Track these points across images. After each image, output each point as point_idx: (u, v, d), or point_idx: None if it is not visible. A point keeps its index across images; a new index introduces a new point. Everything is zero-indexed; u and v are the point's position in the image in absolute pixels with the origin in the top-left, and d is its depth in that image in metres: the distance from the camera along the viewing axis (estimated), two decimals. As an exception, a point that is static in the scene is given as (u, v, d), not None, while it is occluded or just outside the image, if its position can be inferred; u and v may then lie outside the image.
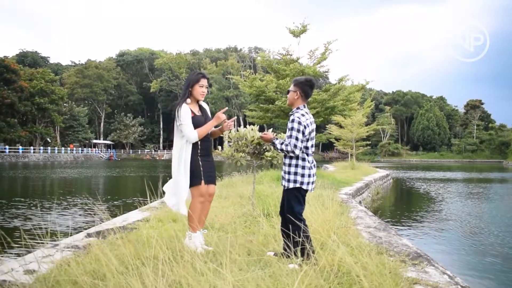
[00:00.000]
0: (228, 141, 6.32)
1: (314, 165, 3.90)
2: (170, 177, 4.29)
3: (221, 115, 4.25)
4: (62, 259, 3.72)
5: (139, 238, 4.33)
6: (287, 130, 3.82)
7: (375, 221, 6.63)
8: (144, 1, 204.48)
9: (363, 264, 3.20)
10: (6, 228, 9.28)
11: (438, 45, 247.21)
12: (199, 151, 4.15)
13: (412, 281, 3.37)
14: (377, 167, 34.23)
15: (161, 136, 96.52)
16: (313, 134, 3.90)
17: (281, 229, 3.88)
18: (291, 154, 3.74)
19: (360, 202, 11.92)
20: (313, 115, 15.48)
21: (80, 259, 3.45)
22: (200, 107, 4.36)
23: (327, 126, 32.10)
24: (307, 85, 3.90)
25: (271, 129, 4.32)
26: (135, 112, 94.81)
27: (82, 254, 3.84)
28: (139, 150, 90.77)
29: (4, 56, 65.74)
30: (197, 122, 4.12)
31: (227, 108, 4.79)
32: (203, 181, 4.11)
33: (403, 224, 11.29)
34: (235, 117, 5.15)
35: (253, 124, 6.57)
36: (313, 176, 3.85)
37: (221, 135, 4.82)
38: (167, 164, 51.84)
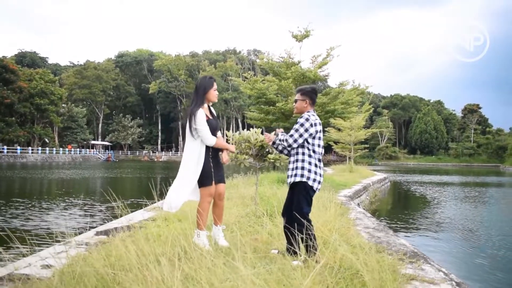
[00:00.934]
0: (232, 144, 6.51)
1: (321, 167, 4.06)
2: (170, 178, 4.51)
3: (231, 148, 4.63)
4: (77, 255, 3.91)
5: (148, 236, 4.52)
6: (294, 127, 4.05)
7: (373, 222, 6.83)
8: (144, 2, 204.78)
9: (364, 261, 3.39)
10: (9, 228, 9.44)
11: (436, 49, 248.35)
12: (210, 153, 4.38)
13: (410, 277, 3.58)
14: (375, 170, 34.50)
15: (159, 138, 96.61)
16: (320, 134, 4.07)
17: (285, 227, 4.05)
18: (288, 145, 3.98)
19: (358, 204, 12.12)
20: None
21: (95, 255, 3.63)
22: (211, 111, 4.58)
23: (326, 129, 32.32)
24: (314, 93, 4.17)
25: (281, 129, 4.51)
26: (133, 113, 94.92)
27: (96, 250, 4.02)
28: (137, 152, 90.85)
29: (3, 56, 65.78)
30: (210, 125, 4.37)
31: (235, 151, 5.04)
32: (213, 182, 4.32)
33: (401, 225, 11.49)
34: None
35: (255, 127, 6.76)
36: (320, 176, 4.00)
37: (226, 137, 5.06)
38: (165, 166, 51.98)
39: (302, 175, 3.93)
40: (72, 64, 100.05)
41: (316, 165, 3.98)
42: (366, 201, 15.30)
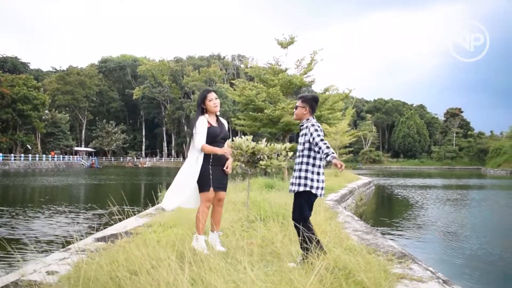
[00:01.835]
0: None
1: (323, 173, 4.17)
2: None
3: (228, 151, 4.67)
4: (80, 261, 4.03)
5: (147, 242, 4.65)
6: (307, 135, 4.12)
7: (361, 225, 7.06)
8: (127, 7, 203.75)
9: (357, 262, 3.60)
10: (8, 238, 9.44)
11: (420, 54, 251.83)
12: (211, 161, 4.55)
13: (400, 276, 3.79)
14: (359, 174, 34.90)
15: (143, 144, 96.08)
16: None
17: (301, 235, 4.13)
18: (335, 155, 3.86)
19: (345, 208, 12.36)
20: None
21: (99, 260, 3.75)
22: (218, 121, 4.77)
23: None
24: (314, 101, 4.36)
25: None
26: (117, 119, 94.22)
27: (98, 255, 4.14)
28: (121, 158, 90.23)
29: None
30: (212, 132, 4.57)
31: (231, 150, 5.14)
32: (211, 188, 4.49)
33: (387, 227, 11.76)
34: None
35: (244, 134, 6.95)
36: (323, 182, 4.12)
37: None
38: (150, 172, 51.80)
39: (305, 185, 4.05)
40: (54, 70, 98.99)
41: (318, 173, 4.09)
42: (353, 205, 15.59)
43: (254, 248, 4.56)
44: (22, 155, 61.54)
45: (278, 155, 6.90)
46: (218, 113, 4.81)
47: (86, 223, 11.40)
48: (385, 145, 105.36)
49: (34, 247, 7.38)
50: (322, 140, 3.96)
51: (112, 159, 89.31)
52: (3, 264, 6.72)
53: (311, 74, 17.31)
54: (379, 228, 11.00)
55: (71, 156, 76.87)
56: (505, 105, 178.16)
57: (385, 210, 17.62)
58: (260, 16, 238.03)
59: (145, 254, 3.49)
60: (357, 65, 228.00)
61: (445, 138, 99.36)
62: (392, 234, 10.78)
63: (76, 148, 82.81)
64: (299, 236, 4.01)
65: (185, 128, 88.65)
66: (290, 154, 6.82)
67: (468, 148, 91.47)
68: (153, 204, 9.18)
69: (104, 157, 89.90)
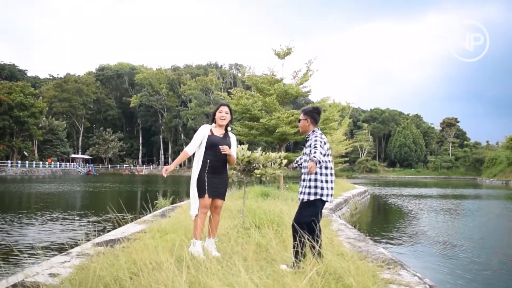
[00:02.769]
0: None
1: (333, 180, 4.28)
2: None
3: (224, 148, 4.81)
4: (81, 264, 4.20)
5: (144, 247, 4.81)
6: (308, 147, 4.28)
7: (354, 233, 7.23)
8: (125, 16, 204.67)
9: (347, 267, 3.77)
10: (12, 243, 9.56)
11: (416, 63, 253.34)
12: (207, 169, 4.73)
13: (388, 281, 3.96)
14: (355, 183, 35.10)
15: (140, 151, 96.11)
16: (329, 151, 4.34)
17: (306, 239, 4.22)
18: (315, 159, 3.97)
19: (339, 217, 12.52)
20: (295, 134, 16.15)
21: (99, 263, 3.91)
22: (226, 134, 5.00)
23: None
24: (315, 112, 4.50)
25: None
26: (114, 127, 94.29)
27: (97, 259, 4.29)
28: (118, 165, 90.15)
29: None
30: (211, 140, 4.81)
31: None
32: (206, 195, 4.67)
33: (380, 236, 11.93)
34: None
35: (242, 143, 7.13)
36: (332, 189, 4.25)
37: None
38: (147, 180, 51.81)
39: (315, 193, 4.17)
40: (52, 77, 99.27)
41: (327, 181, 4.22)
42: (347, 214, 15.74)
43: (249, 254, 4.73)
44: (19, 161, 61.51)
45: (272, 163, 7.08)
46: (229, 129, 5.08)
47: (83, 230, 11.49)
48: (381, 154, 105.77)
49: (33, 253, 7.50)
50: (315, 147, 4.11)
51: (109, 167, 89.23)
52: (5, 267, 6.83)
53: (308, 84, 17.57)
54: (373, 237, 11.20)
55: (68, 163, 76.78)
56: (501, 115, 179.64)
57: (379, 219, 17.78)
58: (257, 26, 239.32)
59: (145, 257, 3.65)
60: (353, 74, 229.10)
61: (441, 147, 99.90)
62: (384, 243, 10.94)
63: (73, 155, 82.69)
64: (294, 241, 4.14)
65: (182, 136, 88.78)
66: (285, 162, 6.99)
67: (464, 158, 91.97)
68: (150, 211, 9.34)
69: (101, 165, 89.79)
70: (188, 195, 5.34)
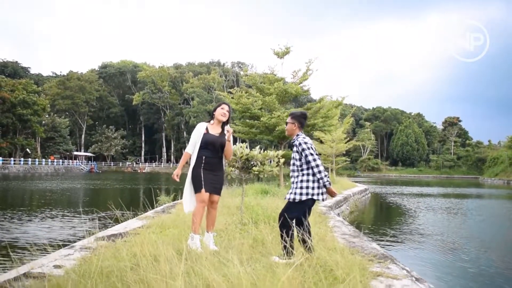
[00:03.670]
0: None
1: (321, 178, 4.38)
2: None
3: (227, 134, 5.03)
4: (83, 257, 4.40)
5: (145, 240, 5.00)
6: (298, 153, 4.46)
7: (350, 230, 7.41)
8: (128, 13, 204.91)
9: (336, 260, 3.95)
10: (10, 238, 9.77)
11: (419, 63, 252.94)
12: (203, 165, 4.92)
13: (376, 273, 4.14)
14: (356, 181, 35.26)
15: (143, 149, 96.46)
16: (316, 151, 4.52)
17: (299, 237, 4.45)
18: (327, 183, 4.33)
19: (338, 214, 12.69)
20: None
21: (102, 255, 4.10)
22: (222, 132, 5.11)
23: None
24: (302, 117, 4.72)
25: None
26: (116, 125, 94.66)
27: (99, 252, 4.49)
28: (120, 163, 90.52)
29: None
30: (206, 138, 4.98)
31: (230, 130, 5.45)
32: (203, 189, 4.85)
33: (378, 234, 12.09)
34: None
35: (243, 141, 7.31)
36: (322, 187, 4.41)
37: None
38: (149, 177, 52.08)
39: (307, 194, 4.36)
40: (54, 75, 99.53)
41: (316, 180, 4.39)
42: (346, 211, 15.92)
43: (246, 248, 4.92)
44: (22, 159, 61.92)
45: (270, 161, 7.26)
46: (227, 126, 5.18)
47: (85, 225, 11.69)
48: (383, 153, 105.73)
49: (37, 248, 7.71)
50: (314, 160, 4.32)
51: (111, 164, 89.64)
52: (10, 261, 7.03)
53: (307, 84, 17.81)
54: (370, 235, 11.38)
55: (70, 161, 77.18)
56: (503, 115, 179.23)
57: (379, 218, 17.93)
58: (260, 25, 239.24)
59: (145, 250, 3.85)
60: (356, 74, 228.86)
61: (443, 147, 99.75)
62: (380, 240, 11.09)
63: (76, 153, 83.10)
64: (282, 233, 4.32)
65: (184, 134, 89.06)
66: (282, 160, 7.17)
67: (466, 157, 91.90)
68: (152, 208, 9.54)
69: (103, 162, 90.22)
70: None
